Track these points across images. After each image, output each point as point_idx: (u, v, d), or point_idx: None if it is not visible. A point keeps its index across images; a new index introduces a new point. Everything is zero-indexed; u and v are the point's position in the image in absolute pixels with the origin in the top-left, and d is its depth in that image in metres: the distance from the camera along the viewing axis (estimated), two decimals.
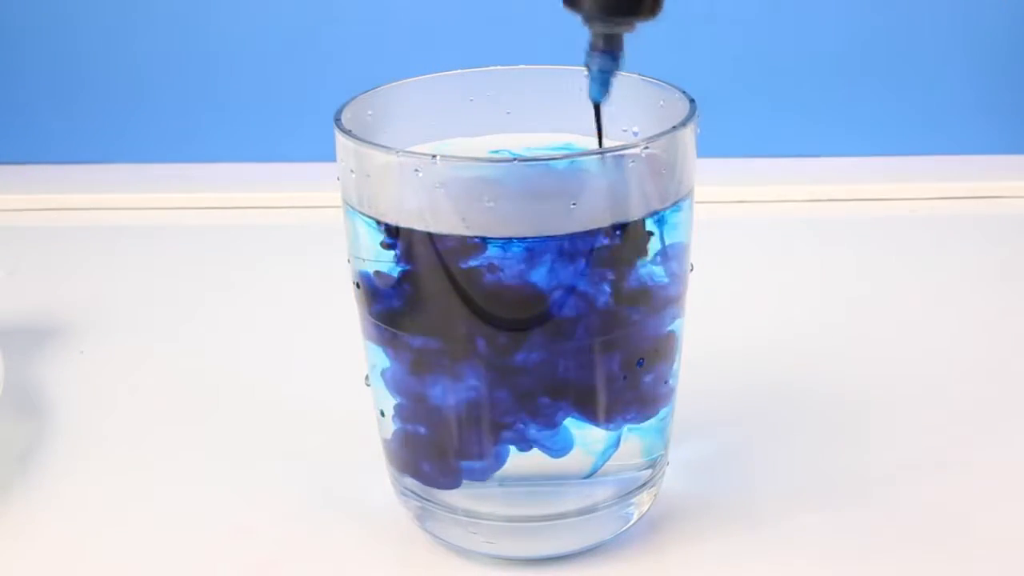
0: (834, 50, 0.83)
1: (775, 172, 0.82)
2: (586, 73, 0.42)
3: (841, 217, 0.78)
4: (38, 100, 0.87)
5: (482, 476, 0.42)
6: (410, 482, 0.44)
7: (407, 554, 0.45)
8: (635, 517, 0.44)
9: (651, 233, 0.40)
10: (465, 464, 0.42)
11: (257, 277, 0.70)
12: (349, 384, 0.48)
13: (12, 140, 0.87)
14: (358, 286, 0.43)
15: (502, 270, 0.39)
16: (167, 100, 0.86)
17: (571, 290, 0.39)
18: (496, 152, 0.44)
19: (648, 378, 0.42)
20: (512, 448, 0.41)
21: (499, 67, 0.45)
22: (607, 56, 0.42)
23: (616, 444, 0.42)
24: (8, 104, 0.87)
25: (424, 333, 0.41)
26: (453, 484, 0.43)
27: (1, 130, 0.87)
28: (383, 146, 0.39)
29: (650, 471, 0.44)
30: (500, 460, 0.42)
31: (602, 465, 0.42)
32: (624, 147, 0.39)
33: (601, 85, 0.42)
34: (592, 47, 0.42)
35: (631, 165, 0.39)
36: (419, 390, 0.42)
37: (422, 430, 0.43)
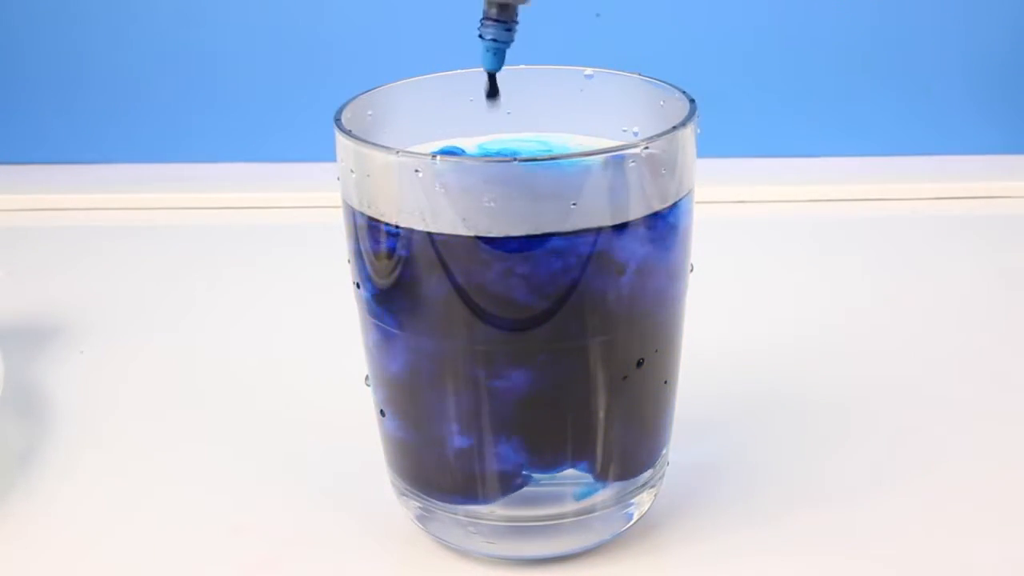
0: (834, 50, 0.83)
1: (775, 172, 0.82)
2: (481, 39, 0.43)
3: (841, 217, 0.78)
4: (38, 100, 0.87)
5: (485, 494, 0.42)
6: (409, 483, 0.44)
7: (407, 554, 0.45)
8: (635, 517, 0.44)
9: (651, 233, 0.40)
10: (462, 469, 0.42)
11: (257, 277, 0.70)
12: (349, 384, 0.48)
13: (12, 140, 0.87)
14: (358, 286, 0.43)
15: (501, 270, 0.39)
16: (167, 100, 0.86)
17: (571, 290, 0.39)
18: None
19: (648, 378, 0.42)
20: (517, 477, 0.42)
21: None
22: (500, 26, 0.42)
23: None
24: (7, 104, 0.87)
25: (424, 333, 0.41)
26: (451, 487, 0.43)
27: (1, 130, 0.87)
28: (383, 146, 0.39)
29: (650, 471, 0.44)
30: (505, 479, 0.42)
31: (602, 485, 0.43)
32: (624, 147, 0.39)
33: (495, 56, 0.43)
34: (485, 16, 0.42)
35: (631, 165, 0.39)
36: (419, 390, 0.42)
37: (421, 430, 0.43)
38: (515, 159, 0.38)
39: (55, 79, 0.86)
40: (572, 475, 0.42)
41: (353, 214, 0.41)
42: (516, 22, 0.43)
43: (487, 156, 0.44)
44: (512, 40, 0.43)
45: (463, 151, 0.44)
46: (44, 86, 0.86)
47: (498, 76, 0.44)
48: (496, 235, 0.38)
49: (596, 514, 0.43)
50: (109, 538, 0.47)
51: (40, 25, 0.85)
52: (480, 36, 0.43)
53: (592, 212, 0.38)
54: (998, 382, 0.56)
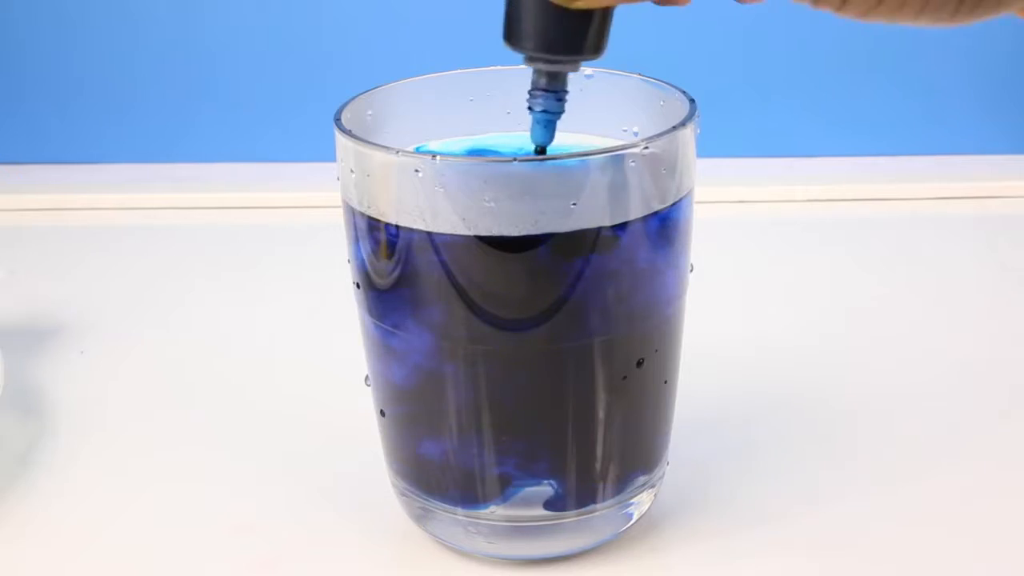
0: (835, 50, 0.83)
1: (775, 172, 0.82)
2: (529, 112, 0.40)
3: (841, 217, 0.78)
4: (38, 100, 0.87)
5: (485, 494, 0.42)
6: (409, 483, 0.44)
7: (407, 554, 0.45)
8: (635, 517, 0.44)
9: (651, 233, 0.40)
10: (462, 470, 0.42)
11: (258, 277, 0.70)
12: (349, 384, 0.48)
13: (12, 140, 0.87)
14: (358, 286, 0.43)
15: (501, 270, 0.39)
16: (166, 100, 0.86)
17: (571, 290, 0.39)
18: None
19: (648, 378, 0.42)
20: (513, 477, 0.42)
21: (499, 67, 0.45)
22: (551, 97, 0.39)
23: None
24: (8, 104, 0.87)
25: (423, 333, 0.41)
26: (451, 487, 0.43)
27: (1, 130, 0.87)
28: (383, 146, 0.39)
29: (650, 471, 0.44)
30: (503, 479, 0.42)
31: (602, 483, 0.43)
32: (624, 147, 0.39)
33: (545, 128, 0.40)
34: (534, 87, 0.39)
35: (631, 165, 0.39)
36: (418, 390, 0.42)
37: (421, 430, 0.43)
38: (515, 159, 0.38)
39: (55, 79, 0.86)
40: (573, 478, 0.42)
41: (353, 214, 0.41)
42: (567, 91, 0.39)
43: (487, 156, 0.44)
44: (563, 111, 0.39)
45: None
46: (43, 86, 0.86)
47: (498, 75, 0.45)
48: (496, 235, 0.38)
49: (596, 514, 0.43)
50: (108, 538, 0.47)
51: (40, 25, 0.85)
52: (529, 109, 0.40)
53: (592, 212, 0.39)
54: (999, 382, 0.56)
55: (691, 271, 0.43)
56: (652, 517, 0.46)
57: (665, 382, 0.44)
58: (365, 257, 0.41)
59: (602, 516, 0.43)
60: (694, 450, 0.50)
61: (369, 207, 0.40)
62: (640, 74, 0.44)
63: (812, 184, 0.80)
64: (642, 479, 0.44)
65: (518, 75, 0.45)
